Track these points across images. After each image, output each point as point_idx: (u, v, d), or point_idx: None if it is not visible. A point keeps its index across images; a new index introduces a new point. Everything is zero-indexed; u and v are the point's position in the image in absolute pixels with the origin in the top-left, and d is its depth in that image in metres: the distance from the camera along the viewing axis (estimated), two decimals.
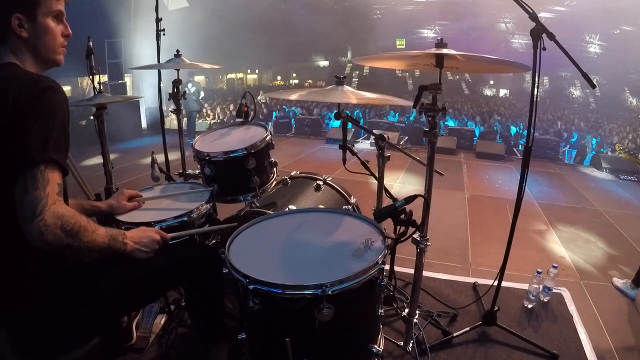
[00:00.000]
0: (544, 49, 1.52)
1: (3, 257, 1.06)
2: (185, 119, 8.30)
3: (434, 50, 1.50)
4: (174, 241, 1.42)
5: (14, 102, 0.98)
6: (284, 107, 13.78)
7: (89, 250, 1.07)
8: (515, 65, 1.52)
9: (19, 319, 1.07)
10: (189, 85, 7.98)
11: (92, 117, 2.25)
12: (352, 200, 2.17)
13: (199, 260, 1.39)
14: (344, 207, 2.07)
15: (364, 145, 7.98)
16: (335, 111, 1.89)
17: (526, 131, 1.70)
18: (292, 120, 11.19)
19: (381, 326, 1.45)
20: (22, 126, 0.98)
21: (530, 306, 2.30)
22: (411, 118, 11.77)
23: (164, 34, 2.65)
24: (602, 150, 10.46)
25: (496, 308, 2.02)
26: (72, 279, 1.12)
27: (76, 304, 1.10)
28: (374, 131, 1.88)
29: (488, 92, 22.92)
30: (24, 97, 0.99)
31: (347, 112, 1.92)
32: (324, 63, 25.50)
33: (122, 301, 1.22)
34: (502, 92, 22.32)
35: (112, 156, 2.39)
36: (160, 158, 2.25)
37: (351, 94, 1.68)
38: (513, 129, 11.72)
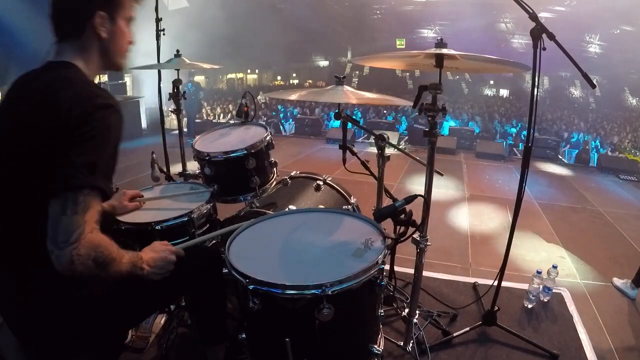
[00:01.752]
0: (544, 49, 1.52)
1: (4, 256, 1.05)
2: (185, 119, 8.31)
3: (433, 50, 1.50)
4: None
5: (68, 113, 0.93)
6: (279, 106, 13.78)
7: (111, 279, 1.03)
8: (515, 65, 1.52)
9: (18, 319, 1.06)
10: (189, 85, 7.98)
11: None
12: (352, 200, 2.17)
13: (202, 265, 1.39)
14: (344, 207, 2.06)
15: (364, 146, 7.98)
16: (335, 111, 1.89)
17: (526, 131, 1.70)
18: (286, 121, 11.18)
19: (381, 326, 1.45)
20: (72, 142, 0.92)
21: (530, 306, 2.30)
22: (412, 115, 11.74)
23: (164, 34, 2.65)
24: (601, 150, 10.46)
25: (496, 308, 2.02)
26: (75, 291, 1.08)
27: (78, 313, 1.08)
28: (374, 131, 1.88)
29: (488, 92, 22.92)
30: (79, 109, 0.93)
31: (347, 112, 1.92)
32: (324, 63, 25.51)
33: (127, 312, 1.20)
34: (502, 92, 22.32)
35: None
36: (160, 158, 2.25)
37: (351, 94, 1.68)
38: (513, 129, 11.73)
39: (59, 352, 1.09)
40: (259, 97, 13.57)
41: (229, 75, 23.35)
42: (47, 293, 1.03)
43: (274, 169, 2.09)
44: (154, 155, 2.10)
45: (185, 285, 1.37)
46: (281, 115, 12.86)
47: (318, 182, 2.15)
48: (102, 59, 1.11)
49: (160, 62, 2.51)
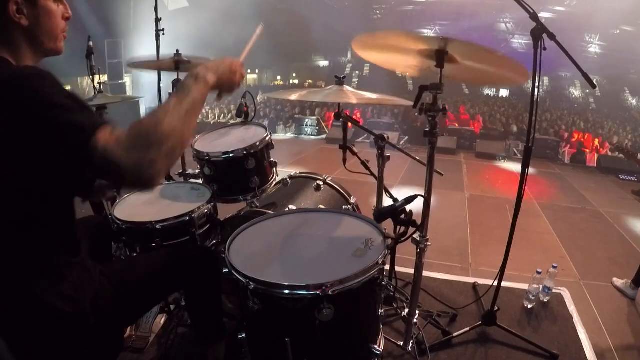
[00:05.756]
0: (545, 49, 1.51)
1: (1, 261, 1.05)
2: None
3: (439, 36, 1.44)
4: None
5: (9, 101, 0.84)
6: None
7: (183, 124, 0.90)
8: (516, 68, 1.50)
9: (17, 320, 1.06)
10: None
11: None
12: (352, 200, 2.16)
13: (198, 262, 1.39)
14: (344, 207, 2.06)
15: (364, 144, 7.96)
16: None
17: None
18: None
19: (381, 326, 1.45)
20: (42, 118, 0.84)
21: (530, 306, 2.30)
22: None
23: (163, 34, 2.65)
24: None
25: (496, 308, 2.01)
26: (72, 284, 1.09)
27: (74, 313, 1.05)
28: (374, 131, 1.88)
29: (488, 92, 22.91)
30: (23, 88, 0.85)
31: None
32: (324, 63, 25.48)
33: (123, 307, 1.19)
34: (502, 92, 22.31)
35: None
36: None
37: (351, 94, 1.68)
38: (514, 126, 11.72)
39: (52, 349, 1.07)
40: (258, 97, 13.57)
41: None
42: (40, 297, 1.02)
43: (274, 169, 2.09)
44: None
45: (180, 279, 1.37)
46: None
47: (318, 182, 2.15)
48: (32, 46, 0.99)
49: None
